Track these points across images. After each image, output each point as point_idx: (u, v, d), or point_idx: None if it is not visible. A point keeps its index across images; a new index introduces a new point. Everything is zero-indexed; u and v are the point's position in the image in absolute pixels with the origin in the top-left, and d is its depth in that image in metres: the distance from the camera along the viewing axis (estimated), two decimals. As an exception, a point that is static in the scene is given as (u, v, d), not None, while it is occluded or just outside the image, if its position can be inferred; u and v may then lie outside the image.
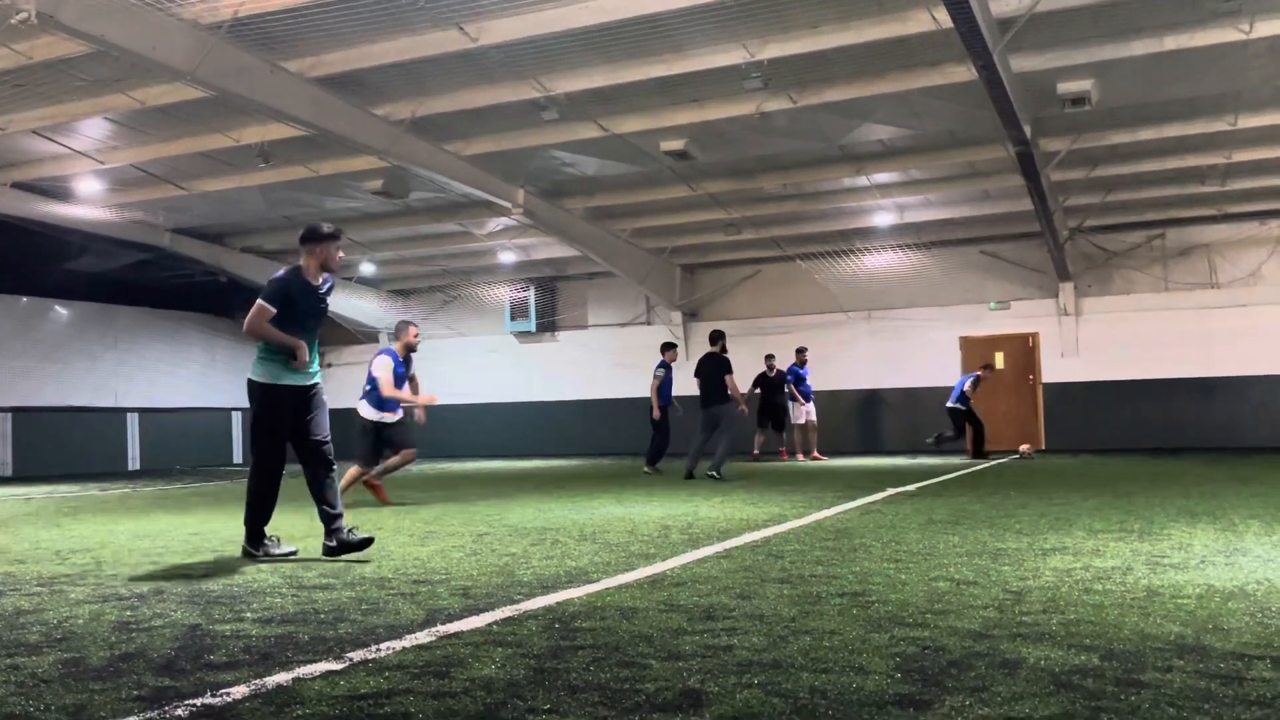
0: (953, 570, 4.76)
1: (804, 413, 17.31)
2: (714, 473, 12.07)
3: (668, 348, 14.46)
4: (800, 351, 17.64)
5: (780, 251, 20.51)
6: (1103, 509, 7.45)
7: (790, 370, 17.41)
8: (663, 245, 20.26)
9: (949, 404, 16.12)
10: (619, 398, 22.09)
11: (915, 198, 17.15)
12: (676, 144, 13.61)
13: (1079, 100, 11.78)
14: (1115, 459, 15.20)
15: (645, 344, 22.05)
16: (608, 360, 22.25)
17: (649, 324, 22.11)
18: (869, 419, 20.03)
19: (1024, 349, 19.28)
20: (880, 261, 20.24)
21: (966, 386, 16.15)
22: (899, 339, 19.79)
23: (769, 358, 17.45)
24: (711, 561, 5.25)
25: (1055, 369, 18.90)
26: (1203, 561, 4.86)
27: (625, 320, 22.41)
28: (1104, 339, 18.48)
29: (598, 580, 4.69)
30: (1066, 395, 18.77)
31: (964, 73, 10.93)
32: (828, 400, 19.01)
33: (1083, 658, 3.05)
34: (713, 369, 12.58)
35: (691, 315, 21.80)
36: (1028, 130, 12.48)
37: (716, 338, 12.83)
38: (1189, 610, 3.71)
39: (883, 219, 18.27)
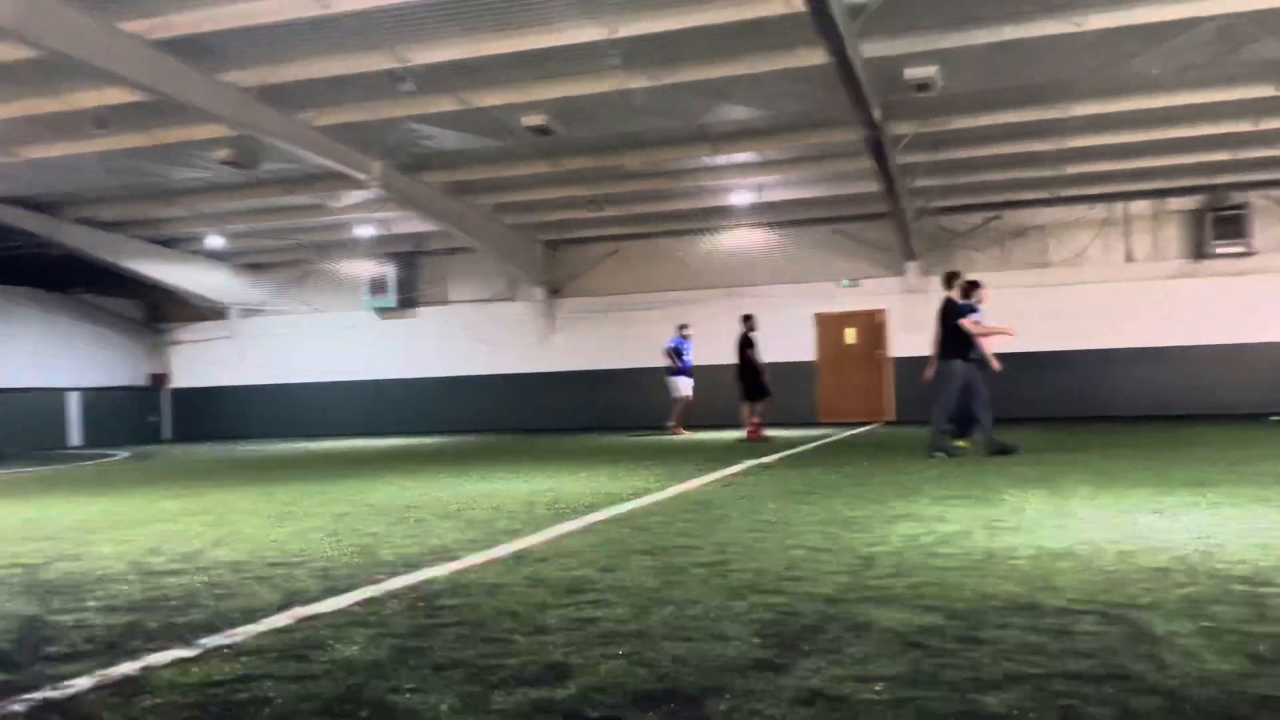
0: (807, 538, 4.94)
1: (683, 386, 17.44)
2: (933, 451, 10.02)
3: (974, 287, 10.66)
4: (682, 327, 17.68)
5: (643, 229, 20.69)
6: (945, 477, 7.84)
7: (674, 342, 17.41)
8: (525, 221, 20.12)
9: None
10: (482, 374, 21.91)
11: (772, 177, 17.55)
12: (538, 119, 13.50)
13: (924, 86, 12.26)
14: (958, 430, 15.95)
15: (508, 320, 21.93)
16: (470, 336, 22.03)
17: (512, 300, 21.97)
18: (731, 393, 20.44)
19: (872, 325, 20.03)
20: (740, 239, 20.68)
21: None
22: (758, 315, 20.23)
23: (747, 318, 15.81)
24: (576, 536, 5.29)
25: (902, 344, 19.70)
26: (1035, 524, 5.18)
27: (488, 296, 22.20)
28: (948, 315, 19.35)
29: (462, 557, 4.67)
30: (913, 369, 19.60)
31: (817, 56, 11.20)
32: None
33: (928, 618, 3.22)
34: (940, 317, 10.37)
35: (555, 292, 21.76)
36: (877, 114, 12.91)
37: (950, 279, 10.59)
38: (1023, 570, 3.96)
39: (741, 198, 18.62)
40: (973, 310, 10.37)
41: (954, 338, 10.13)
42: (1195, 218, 18.49)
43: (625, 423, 20.43)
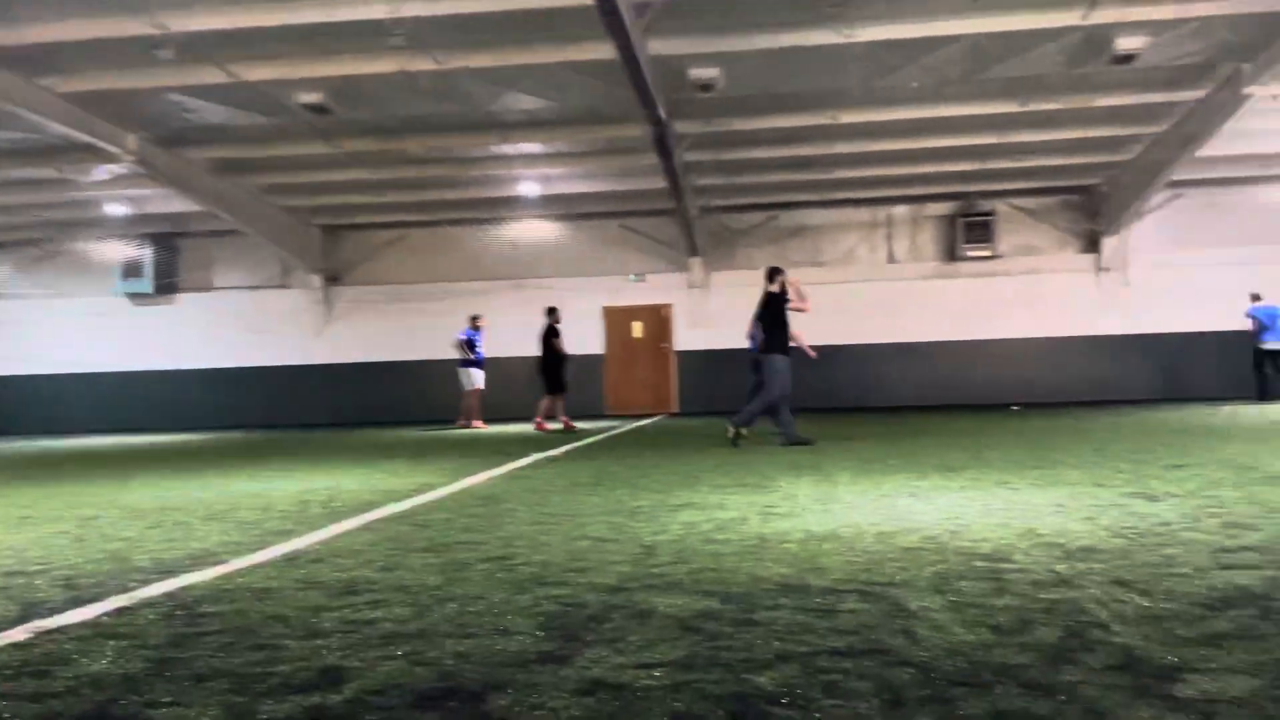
0: (592, 529, 4.98)
1: (476, 378, 17.10)
2: (734, 434, 10.27)
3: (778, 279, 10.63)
4: (475, 318, 17.30)
5: (427, 216, 20.24)
6: (724, 466, 8.12)
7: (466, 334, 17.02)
8: (301, 204, 19.25)
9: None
10: (253, 366, 20.80)
11: (560, 169, 17.60)
12: (314, 97, 12.95)
13: (707, 86, 12.65)
14: (735, 420, 16.58)
15: (281, 309, 20.91)
16: (239, 326, 20.86)
17: (286, 287, 20.96)
18: (519, 387, 20.39)
19: (658, 319, 20.50)
20: (528, 231, 20.62)
21: None
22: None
23: (551, 310, 15.79)
24: (354, 535, 5.10)
25: (687, 338, 20.28)
26: (804, 509, 5.44)
27: (258, 283, 21.08)
28: (729, 310, 20.08)
29: (227, 561, 4.40)
30: (696, 362, 20.23)
31: (605, 50, 11.32)
32: (475, 367, 19.09)
33: (706, 603, 3.31)
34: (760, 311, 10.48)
35: (332, 279, 20.95)
36: (663, 111, 13.20)
37: (772, 274, 10.52)
38: (793, 554, 4.14)
39: (529, 189, 18.57)
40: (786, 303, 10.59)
41: (775, 332, 10.21)
42: (949, 222, 20.03)
43: (410, 417, 19.98)
